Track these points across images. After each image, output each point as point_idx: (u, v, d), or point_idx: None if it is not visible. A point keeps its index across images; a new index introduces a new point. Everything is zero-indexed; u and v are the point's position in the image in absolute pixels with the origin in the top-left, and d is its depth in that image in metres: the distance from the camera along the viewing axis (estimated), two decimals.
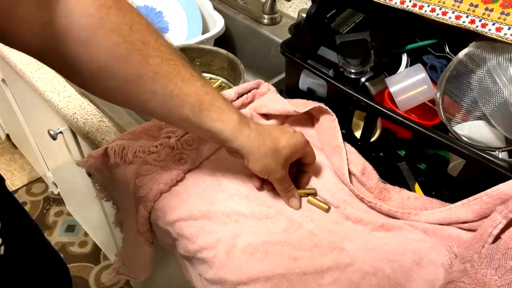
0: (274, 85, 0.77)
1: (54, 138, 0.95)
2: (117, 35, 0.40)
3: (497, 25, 0.51)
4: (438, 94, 0.57)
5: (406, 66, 0.66)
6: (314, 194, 0.60)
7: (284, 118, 0.71)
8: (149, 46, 0.42)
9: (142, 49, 0.42)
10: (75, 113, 0.77)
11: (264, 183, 0.59)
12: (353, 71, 0.62)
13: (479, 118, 0.57)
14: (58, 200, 1.81)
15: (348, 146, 0.65)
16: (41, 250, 0.63)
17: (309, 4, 0.63)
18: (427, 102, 0.63)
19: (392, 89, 0.62)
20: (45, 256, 0.64)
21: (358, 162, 0.63)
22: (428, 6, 0.56)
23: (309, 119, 0.71)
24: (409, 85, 0.61)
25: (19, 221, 0.55)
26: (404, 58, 0.67)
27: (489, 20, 0.51)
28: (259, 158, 0.52)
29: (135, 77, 0.43)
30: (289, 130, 0.56)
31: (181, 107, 0.46)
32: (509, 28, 0.50)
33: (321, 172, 0.64)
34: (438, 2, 0.55)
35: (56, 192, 1.78)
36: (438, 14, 0.55)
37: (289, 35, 0.69)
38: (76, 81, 0.44)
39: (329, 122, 0.65)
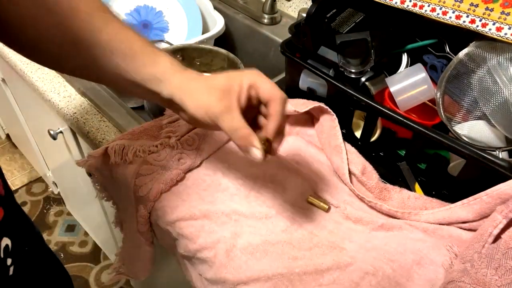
0: None
1: (54, 138, 0.95)
2: None
3: (497, 24, 0.51)
4: (438, 94, 0.57)
5: (406, 66, 0.66)
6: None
7: None
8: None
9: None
10: (75, 113, 0.77)
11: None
12: (353, 71, 0.62)
13: (479, 118, 0.57)
14: (58, 200, 1.81)
15: (348, 146, 0.65)
16: (48, 265, 0.62)
17: (309, 4, 0.63)
18: (427, 102, 0.63)
19: (392, 89, 0.62)
20: (52, 271, 0.63)
21: (358, 162, 0.63)
22: (429, 5, 0.56)
23: (309, 119, 0.71)
24: (409, 85, 0.61)
25: (28, 238, 0.54)
26: (404, 58, 0.67)
27: (490, 20, 0.51)
28: (196, 99, 0.44)
29: (64, 28, 0.42)
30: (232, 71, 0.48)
31: (111, 55, 0.44)
32: (509, 28, 0.50)
33: (321, 172, 0.64)
34: (439, 1, 0.55)
35: (56, 192, 1.78)
36: (438, 14, 0.55)
37: (289, 35, 0.69)
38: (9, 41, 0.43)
39: (329, 122, 0.65)
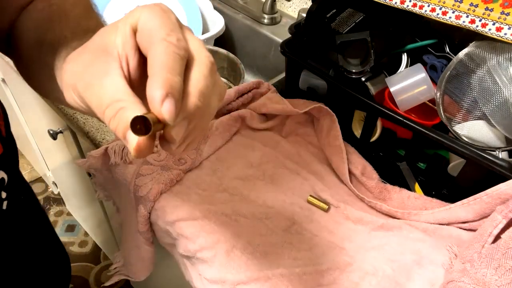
0: (274, 85, 0.77)
1: (54, 138, 0.95)
2: None
3: (497, 24, 0.51)
4: (438, 94, 0.57)
5: (406, 66, 0.66)
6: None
7: (284, 118, 0.71)
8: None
9: None
10: (75, 113, 0.77)
11: None
12: (353, 71, 0.62)
13: (479, 118, 0.57)
14: (58, 200, 1.81)
15: (348, 146, 0.65)
16: (44, 228, 0.61)
17: (309, 4, 0.63)
18: (427, 102, 0.63)
19: (392, 89, 0.62)
20: (47, 236, 0.63)
21: (358, 162, 0.63)
22: (428, 5, 0.56)
23: (309, 119, 0.71)
24: (409, 85, 0.61)
25: (24, 191, 0.54)
26: (404, 58, 0.67)
27: (489, 20, 0.51)
28: (64, 73, 0.29)
29: None
30: None
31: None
32: (509, 28, 0.50)
33: (321, 172, 0.64)
34: (438, 1, 0.55)
35: (56, 192, 1.78)
36: (438, 14, 0.55)
37: (289, 35, 0.69)
38: None
39: (329, 122, 0.65)
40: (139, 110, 0.23)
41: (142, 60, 0.26)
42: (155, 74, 0.23)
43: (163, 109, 0.23)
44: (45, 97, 0.44)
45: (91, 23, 0.37)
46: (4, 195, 0.44)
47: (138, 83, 0.26)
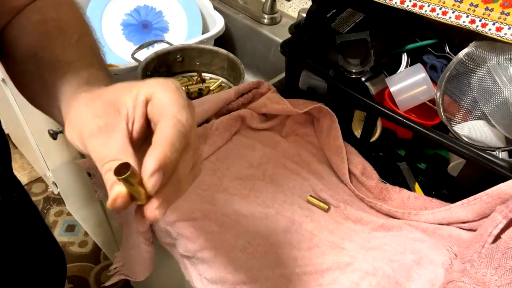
0: (274, 85, 0.77)
1: (54, 138, 0.95)
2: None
3: (497, 24, 0.51)
4: (438, 94, 0.57)
5: (406, 66, 0.66)
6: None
7: (284, 118, 0.71)
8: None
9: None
10: None
11: None
12: (353, 71, 0.62)
13: (479, 118, 0.57)
14: (58, 200, 1.81)
15: (348, 146, 0.65)
16: (37, 224, 0.61)
17: (309, 4, 0.63)
18: (427, 102, 0.63)
19: (392, 89, 0.62)
20: (40, 232, 0.62)
21: (358, 162, 0.63)
22: (428, 6, 0.56)
23: (309, 119, 0.71)
24: (409, 85, 0.61)
25: (17, 189, 0.54)
26: (404, 58, 0.67)
27: (489, 20, 0.51)
28: (71, 115, 0.31)
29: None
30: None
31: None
32: (509, 28, 0.50)
33: (321, 172, 0.64)
34: (438, 1, 0.55)
35: (56, 192, 1.78)
36: (438, 14, 0.55)
37: (289, 35, 0.69)
38: None
39: (329, 122, 0.65)
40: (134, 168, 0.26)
41: (146, 126, 0.30)
42: (157, 146, 0.26)
43: (150, 181, 0.25)
44: (35, 107, 0.43)
45: (89, 41, 0.41)
46: None
47: (136, 145, 0.29)
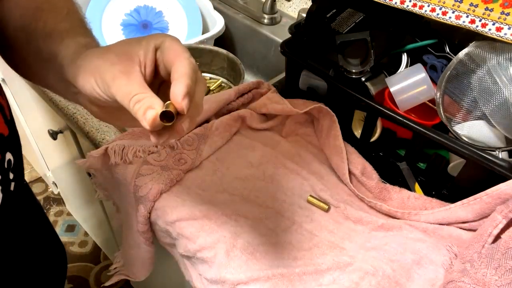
0: (274, 85, 0.77)
1: (54, 138, 0.95)
2: None
3: (497, 24, 0.51)
4: (438, 94, 0.57)
5: (406, 66, 0.66)
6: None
7: (284, 118, 0.71)
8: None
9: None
10: (75, 113, 0.77)
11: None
12: (353, 71, 0.62)
13: (479, 118, 0.57)
14: (58, 200, 1.81)
15: (348, 146, 0.65)
16: (42, 220, 0.64)
17: (309, 4, 0.63)
18: (427, 102, 0.63)
19: (392, 89, 0.62)
20: (45, 228, 0.64)
21: (358, 162, 0.63)
22: (428, 6, 0.56)
23: (309, 119, 0.71)
24: (409, 85, 0.61)
25: (23, 177, 0.56)
26: (404, 58, 0.67)
27: (489, 20, 0.51)
28: (85, 68, 0.35)
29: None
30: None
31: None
32: (509, 28, 0.50)
33: (321, 172, 0.64)
34: (438, 2, 0.55)
35: (56, 192, 1.78)
36: (438, 14, 0.55)
37: (289, 35, 0.69)
38: None
39: (329, 122, 0.65)
40: (158, 101, 0.33)
41: (154, 70, 0.36)
42: (181, 78, 0.33)
43: (183, 102, 0.32)
44: (34, 82, 0.47)
45: (78, 15, 0.45)
46: (11, 176, 0.46)
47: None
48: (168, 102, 0.32)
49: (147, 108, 0.32)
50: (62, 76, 0.38)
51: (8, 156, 0.45)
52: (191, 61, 0.34)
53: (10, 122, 0.47)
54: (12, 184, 0.46)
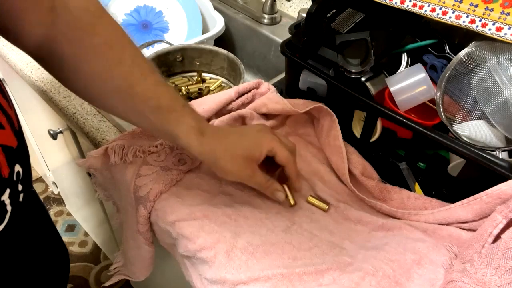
0: (274, 85, 0.77)
1: (54, 138, 0.95)
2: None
3: (497, 24, 0.51)
4: (438, 94, 0.57)
5: (406, 66, 0.66)
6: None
7: (284, 118, 0.71)
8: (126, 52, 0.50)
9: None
10: (75, 113, 0.77)
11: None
12: (353, 71, 0.62)
13: (479, 118, 0.57)
14: (58, 200, 1.81)
15: (348, 146, 0.65)
16: (47, 224, 0.65)
17: (309, 4, 0.63)
18: (427, 102, 0.63)
19: (392, 89, 0.62)
20: (50, 231, 0.66)
21: (358, 162, 0.63)
22: (428, 5, 0.56)
23: (309, 119, 0.71)
24: (409, 85, 0.61)
25: (31, 185, 0.56)
26: (404, 58, 0.67)
27: (489, 20, 0.51)
28: (222, 167, 0.52)
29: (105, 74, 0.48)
30: (250, 130, 0.56)
31: (142, 106, 0.50)
32: (509, 28, 0.50)
33: (321, 172, 0.64)
34: (438, 1, 0.55)
35: (56, 192, 1.78)
36: (438, 14, 0.55)
37: (289, 35, 0.69)
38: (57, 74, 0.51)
39: (329, 122, 0.65)
40: (278, 184, 0.57)
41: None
42: (293, 177, 0.57)
43: (298, 186, 0.59)
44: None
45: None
46: (20, 187, 0.46)
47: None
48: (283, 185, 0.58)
49: (274, 191, 0.56)
50: (167, 138, 0.57)
51: (17, 168, 0.45)
52: (294, 162, 0.56)
53: (19, 133, 0.47)
54: (21, 195, 0.47)
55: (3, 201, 0.42)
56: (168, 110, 0.50)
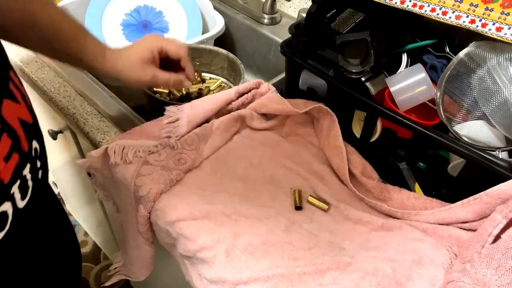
0: (274, 85, 0.77)
1: (54, 138, 0.95)
2: None
3: (497, 24, 0.51)
4: (438, 94, 0.57)
5: (406, 66, 0.66)
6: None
7: (284, 118, 0.71)
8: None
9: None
10: (75, 113, 0.76)
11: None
12: (353, 71, 0.62)
13: (479, 118, 0.57)
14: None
15: (348, 146, 0.65)
16: (61, 212, 0.68)
17: (309, 4, 0.63)
18: (427, 102, 0.63)
19: (392, 89, 0.62)
20: (64, 219, 0.68)
21: (358, 162, 0.63)
22: (428, 6, 0.56)
23: (309, 119, 0.71)
24: (409, 85, 0.61)
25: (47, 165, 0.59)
26: (404, 58, 0.67)
27: (489, 20, 0.51)
28: (126, 75, 0.59)
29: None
30: (140, 39, 0.62)
31: (47, 36, 0.54)
32: (509, 28, 0.50)
33: (321, 172, 0.64)
34: (438, 1, 0.55)
35: (56, 192, 1.78)
36: (438, 14, 0.55)
37: (289, 35, 0.69)
38: None
39: (329, 122, 0.65)
40: (182, 75, 0.64)
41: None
42: (188, 65, 0.64)
43: (191, 74, 0.65)
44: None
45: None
46: (38, 164, 0.48)
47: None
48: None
49: (180, 82, 0.63)
50: (80, 64, 0.58)
51: (35, 144, 0.47)
52: (186, 52, 0.63)
53: (31, 110, 0.49)
54: (40, 172, 0.48)
55: (25, 175, 0.43)
56: (72, 40, 0.56)
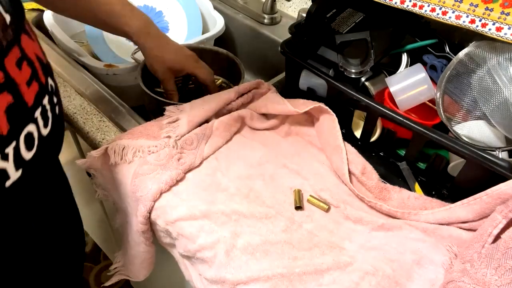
0: (274, 85, 0.77)
1: None
2: None
3: (497, 24, 0.51)
4: (438, 94, 0.57)
5: (406, 66, 0.66)
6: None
7: (284, 118, 0.71)
8: None
9: None
10: (75, 113, 0.76)
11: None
12: (353, 71, 0.62)
13: (479, 118, 0.57)
14: None
15: (348, 146, 0.65)
16: (69, 192, 0.73)
17: (309, 4, 0.63)
18: (427, 102, 0.63)
19: (392, 89, 0.62)
20: (68, 201, 0.74)
21: (358, 162, 0.63)
22: (428, 5, 0.56)
23: (309, 119, 0.71)
24: (409, 85, 0.61)
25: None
26: (404, 58, 0.67)
27: (489, 20, 0.51)
28: (152, 62, 0.70)
29: None
30: (184, 51, 0.72)
31: (97, 10, 0.65)
32: (509, 28, 0.50)
33: (321, 172, 0.64)
34: (438, 1, 0.55)
35: None
36: (438, 14, 0.55)
37: (289, 35, 0.69)
38: None
39: (329, 122, 0.65)
40: (177, 94, 0.75)
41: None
42: (213, 88, 0.77)
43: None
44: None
45: None
46: (55, 100, 0.50)
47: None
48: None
49: (172, 98, 0.73)
50: (119, 33, 0.70)
51: (50, 81, 0.50)
52: (213, 82, 0.76)
53: (44, 53, 0.51)
54: (56, 108, 0.51)
55: (44, 105, 0.46)
56: (119, 15, 0.65)
